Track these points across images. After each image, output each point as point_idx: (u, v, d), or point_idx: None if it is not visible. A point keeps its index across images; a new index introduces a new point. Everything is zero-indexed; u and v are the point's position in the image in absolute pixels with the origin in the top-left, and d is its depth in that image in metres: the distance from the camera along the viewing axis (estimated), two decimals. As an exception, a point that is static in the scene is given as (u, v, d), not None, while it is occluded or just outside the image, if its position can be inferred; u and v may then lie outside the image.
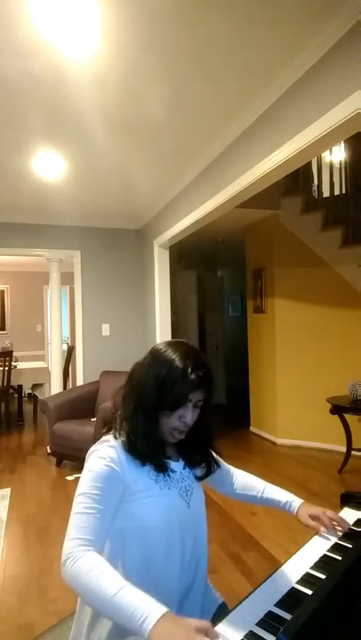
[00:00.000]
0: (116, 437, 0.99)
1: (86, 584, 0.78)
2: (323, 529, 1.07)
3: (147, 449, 0.97)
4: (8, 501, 3.16)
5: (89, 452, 0.99)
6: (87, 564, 0.80)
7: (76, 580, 0.80)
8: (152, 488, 0.97)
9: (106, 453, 0.95)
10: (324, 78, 1.80)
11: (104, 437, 1.02)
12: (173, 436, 1.00)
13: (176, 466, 1.04)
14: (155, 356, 1.01)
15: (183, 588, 1.01)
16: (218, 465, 1.15)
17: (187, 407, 0.97)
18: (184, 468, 1.06)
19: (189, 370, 0.95)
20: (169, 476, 1.01)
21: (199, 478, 1.10)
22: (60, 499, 3.20)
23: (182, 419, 0.97)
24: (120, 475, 0.94)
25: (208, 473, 1.12)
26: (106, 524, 0.90)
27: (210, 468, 1.12)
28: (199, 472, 1.10)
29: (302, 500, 1.15)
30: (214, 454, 1.15)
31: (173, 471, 1.03)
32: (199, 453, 1.10)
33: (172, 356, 0.97)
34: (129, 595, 0.75)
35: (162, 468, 1.00)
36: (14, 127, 2.48)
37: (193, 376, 0.95)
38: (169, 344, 1.02)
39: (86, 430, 3.63)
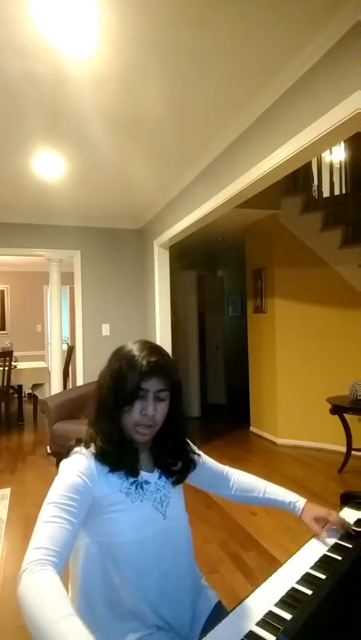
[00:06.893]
0: (87, 447, 0.96)
1: (33, 601, 0.68)
2: (324, 533, 1.05)
3: (114, 450, 0.94)
4: (8, 501, 3.15)
5: (61, 464, 0.95)
6: (41, 582, 0.71)
7: (24, 596, 0.70)
8: (122, 502, 0.93)
9: (77, 465, 0.92)
10: (324, 78, 1.80)
11: (75, 449, 0.98)
12: (140, 433, 0.95)
13: (150, 477, 1.00)
14: (113, 354, 1.01)
15: (161, 603, 0.96)
16: (194, 462, 1.08)
17: (146, 398, 0.94)
18: (159, 478, 1.02)
19: (140, 358, 0.94)
20: (142, 487, 0.97)
21: (176, 481, 1.04)
22: (60, 499, 3.19)
23: (143, 411, 0.94)
24: (90, 488, 0.90)
25: (187, 470, 1.06)
26: (73, 537, 0.84)
27: (188, 464, 1.06)
28: (177, 476, 1.05)
29: (305, 500, 1.13)
30: (194, 450, 1.10)
31: (147, 482, 0.99)
32: (173, 454, 1.05)
33: (126, 350, 0.98)
34: (70, 626, 0.65)
35: (133, 472, 0.96)
36: (14, 126, 2.48)
37: (143, 362, 0.93)
38: (129, 343, 1.02)
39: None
